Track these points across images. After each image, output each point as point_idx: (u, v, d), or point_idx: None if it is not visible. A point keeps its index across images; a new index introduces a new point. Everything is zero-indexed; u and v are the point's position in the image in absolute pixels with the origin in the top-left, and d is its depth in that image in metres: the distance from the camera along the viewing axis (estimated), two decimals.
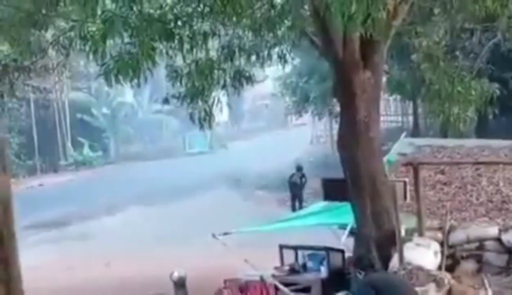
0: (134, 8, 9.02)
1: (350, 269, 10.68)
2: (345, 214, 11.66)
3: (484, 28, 13.72)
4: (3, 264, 2.34)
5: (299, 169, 26.42)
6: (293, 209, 24.01)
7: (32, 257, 15.98)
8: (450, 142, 16.54)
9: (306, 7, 9.80)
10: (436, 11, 11.91)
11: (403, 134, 19.19)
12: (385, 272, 9.44)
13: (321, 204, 13.94)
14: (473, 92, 11.25)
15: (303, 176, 25.93)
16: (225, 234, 13.51)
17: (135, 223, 25.10)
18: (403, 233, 10.01)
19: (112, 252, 20.32)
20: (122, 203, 29.26)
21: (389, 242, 10.02)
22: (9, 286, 2.41)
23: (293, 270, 13.30)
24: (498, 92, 11.78)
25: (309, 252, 13.42)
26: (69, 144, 47.69)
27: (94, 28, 9.05)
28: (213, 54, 10.64)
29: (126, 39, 9.19)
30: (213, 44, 10.65)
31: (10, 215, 2.54)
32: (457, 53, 12.91)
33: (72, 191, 34.82)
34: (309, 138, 46.34)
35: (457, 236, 10.69)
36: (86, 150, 47.69)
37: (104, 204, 29.15)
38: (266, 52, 11.26)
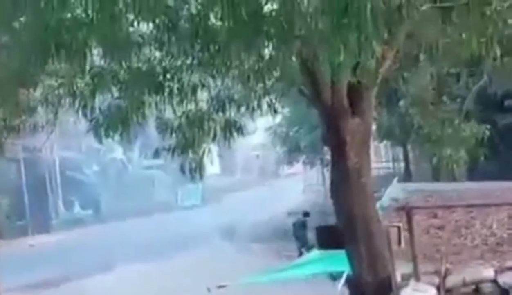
0: (123, 63, 9.08)
1: None
2: (340, 261, 11.59)
3: (470, 71, 13.88)
4: None
5: (305, 214, 26.57)
6: (301, 254, 24.07)
7: None
8: (442, 186, 16.56)
9: (293, 58, 9.88)
10: (422, 57, 12.02)
11: (395, 179, 19.23)
12: None
13: (317, 252, 13.87)
14: (463, 134, 11.32)
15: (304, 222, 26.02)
16: (220, 287, 13.41)
17: (130, 281, 24.83)
18: (399, 278, 9.95)
19: None
20: (116, 261, 29.00)
21: (385, 288, 9.94)
22: None
23: None
24: (488, 133, 11.85)
25: None
26: (60, 203, 47.44)
27: (83, 84, 9.09)
28: (202, 105, 10.68)
29: (115, 94, 9.24)
30: (203, 96, 10.69)
31: None
32: (444, 97, 13.00)
33: (64, 250, 34.47)
34: (302, 187, 46.27)
35: (454, 280, 10.66)
36: (77, 209, 47.44)
37: (98, 263, 28.85)
38: (255, 103, 11.30)
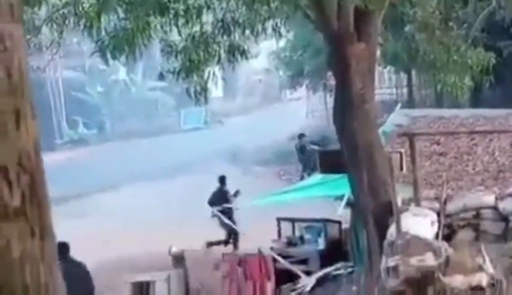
0: None
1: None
2: (341, 185, 11.72)
3: None
4: (36, 204, 2.27)
5: (301, 136, 26.84)
6: (302, 177, 24.32)
7: None
8: (445, 112, 16.55)
9: None
10: None
11: (398, 105, 19.22)
12: None
13: (318, 176, 14.00)
14: (469, 61, 11.26)
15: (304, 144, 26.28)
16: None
17: (134, 200, 25.12)
18: (399, 203, 10.06)
19: (111, 229, 20.40)
20: (120, 180, 29.29)
21: (386, 212, 10.08)
22: (42, 233, 2.40)
23: (290, 243, 13.40)
24: (494, 61, 11.77)
25: (306, 224, 13.51)
26: (64, 123, 47.60)
27: (88, 5, 9.04)
28: (207, 28, 10.62)
29: (121, 15, 9.19)
30: (208, 18, 10.63)
31: (40, 158, 2.52)
32: (451, 23, 12.85)
33: (69, 169, 34.74)
34: (304, 112, 46.23)
35: (454, 205, 10.76)
36: (81, 128, 47.60)
37: (102, 182, 29.16)
38: (260, 26, 11.23)
